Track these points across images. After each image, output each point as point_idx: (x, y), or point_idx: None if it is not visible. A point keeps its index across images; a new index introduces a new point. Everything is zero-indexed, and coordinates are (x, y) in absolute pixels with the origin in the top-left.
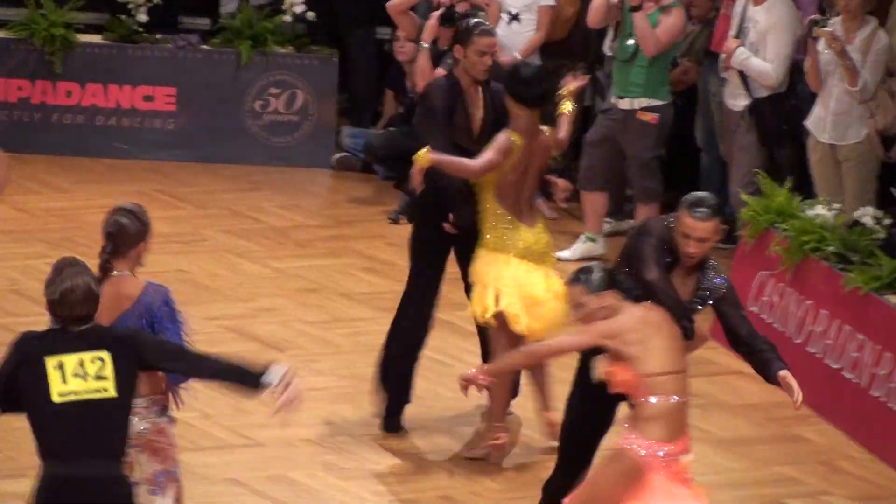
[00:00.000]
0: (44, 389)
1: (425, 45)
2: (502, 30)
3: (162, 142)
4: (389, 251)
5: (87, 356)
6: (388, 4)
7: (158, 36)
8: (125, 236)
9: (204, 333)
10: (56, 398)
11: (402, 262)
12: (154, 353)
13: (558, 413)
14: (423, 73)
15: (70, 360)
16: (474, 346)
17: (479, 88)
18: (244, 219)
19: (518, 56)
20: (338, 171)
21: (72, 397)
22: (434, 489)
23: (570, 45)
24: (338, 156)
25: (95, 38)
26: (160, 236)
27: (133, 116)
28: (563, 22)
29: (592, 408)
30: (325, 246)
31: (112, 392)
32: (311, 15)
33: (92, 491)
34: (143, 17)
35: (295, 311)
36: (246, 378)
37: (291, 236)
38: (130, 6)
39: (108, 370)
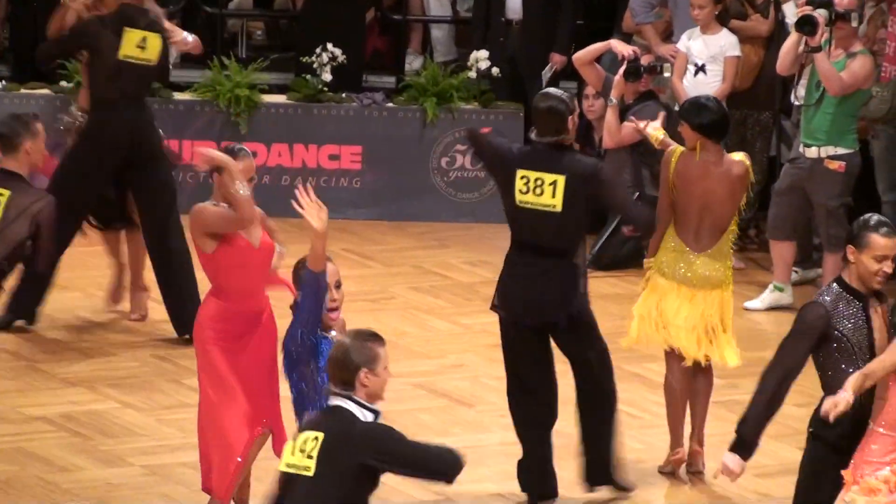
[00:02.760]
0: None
1: (614, 100)
2: (689, 81)
3: (348, 200)
4: None
5: (311, 435)
6: (573, 56)
7: (343, 95)
8: None
9: (393, 391)
10: (282, 466)
11: None
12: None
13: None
14: (611, 129)
15: (301, 436)
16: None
17: None
18: (432, 276)
19: None
20: None
21: (288, 469)
22: None
23: (755, 94)
24: None
25: (280, 99)
26: (348, 295)
27: (319, 175)
28: (748, 71)
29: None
30: None
31: (310, 472)
32: (495, 71)
33: None
34: (327, 76)
35: (484, 367)
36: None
37: (479, 292)
38: (315, 66)
39: (316, 451)
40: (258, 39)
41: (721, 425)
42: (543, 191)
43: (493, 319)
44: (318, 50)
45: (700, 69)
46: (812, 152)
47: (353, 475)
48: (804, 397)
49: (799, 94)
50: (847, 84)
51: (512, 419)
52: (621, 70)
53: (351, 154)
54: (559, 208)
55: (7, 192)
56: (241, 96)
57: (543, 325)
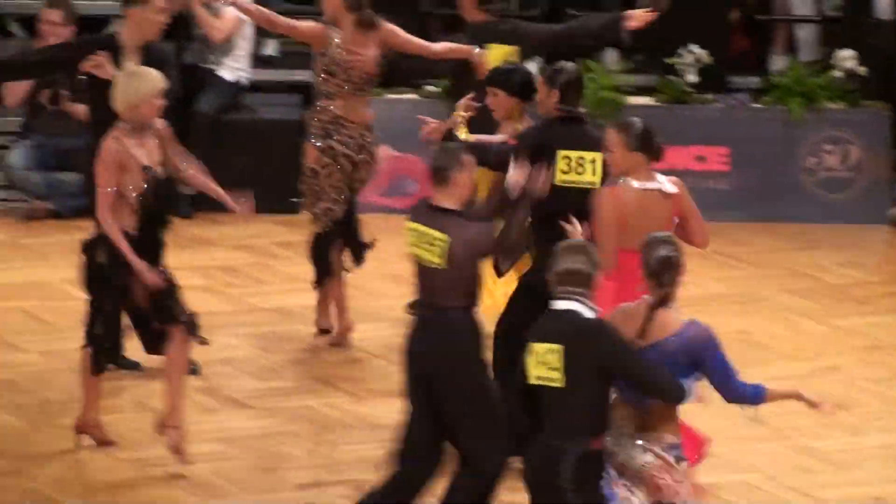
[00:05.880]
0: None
1: None
2: None
3: (716, 202)
4: None
5: (548, 347)
6: None
7: (709, 96)
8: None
9: None
10: (532, 378)
11: None
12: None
13: None
14: None
15: (539, 348)
16: None
17: None
18: (802, 277)
19: None
20: (895, 226)
21: (536, 381)
22: None
23: None
24: (894, 210)
25: (645, 100)
26: (717, 297)
27: (687, 177)
28: None
29: None
30: (887, 302)
31: (560, 384)
32: (862, 70)
33: (546, 454)
34: (692, 77)
35: (859, 370)
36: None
37: (851, 294)
38: (680, 67)
39: (560, 362)
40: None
41: None
42: (584, 169)
43: (868, 321)
44: (682, 51)
45: None
46: None
47: (598, 377)
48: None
49: None
50: None
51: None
52: None
53: (718, 155)
54: (598, 184)
55: (445, 238)
56: (607, 98)
57: None
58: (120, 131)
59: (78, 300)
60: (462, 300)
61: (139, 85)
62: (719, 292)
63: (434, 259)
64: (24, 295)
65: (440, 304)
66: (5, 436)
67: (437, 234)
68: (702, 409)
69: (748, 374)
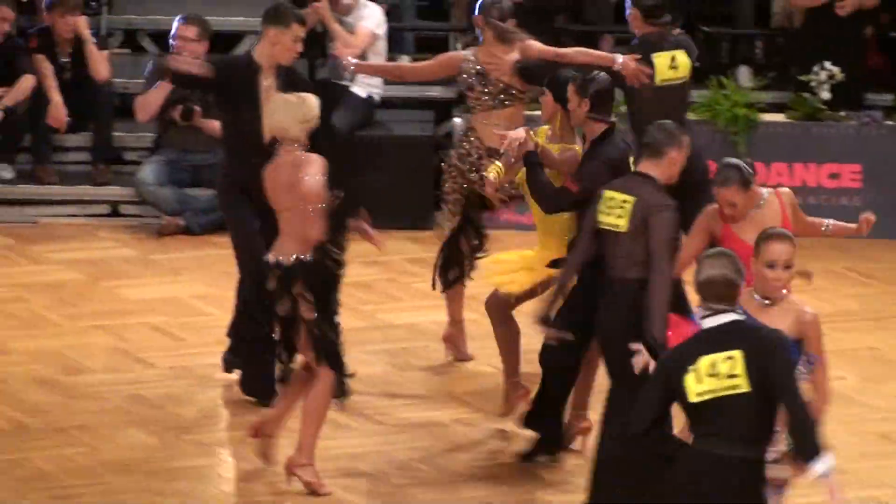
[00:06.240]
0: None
1: None
2: None
3: (849, 219)
4: None
5: (720, 356)
6: None
7: (842, 113)
8: None
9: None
10: (692, 397)
11: None
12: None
13: None
14: None
15: (706, 361)
16: None
17: None
18: None
19: None
20: None
21: (704, 396)
22: None
23: None
24: None
25: (778, 117)
26: (848, 314)
27: (819, 194)
28: None
29: None
30: None
31: (744, 388)
32: None
33: (725, 468)
34: (826, 94)
35: None
36: (801, 445)
37: None
38: (813, 84)
39: (740, 368)
40: (756, 58)
41: None
42: None
43: None
44: (815, 68)
45: None
46: None
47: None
48: None
49: None
50: None
51: None
52: None
53: (851, 173)
54: None
55: (632, 199)
56: (740, 115)
57: None
58: (286, 151)
59: (208, 316)
60: (639, 271)
61: (305, 113)
62: (851, 309)
63: (618, 222)
64: (154, 311)
65: (618, 275)
66: (135, 451)
67: (626, 195)
68: (833, 425)
69: (878, 390)
